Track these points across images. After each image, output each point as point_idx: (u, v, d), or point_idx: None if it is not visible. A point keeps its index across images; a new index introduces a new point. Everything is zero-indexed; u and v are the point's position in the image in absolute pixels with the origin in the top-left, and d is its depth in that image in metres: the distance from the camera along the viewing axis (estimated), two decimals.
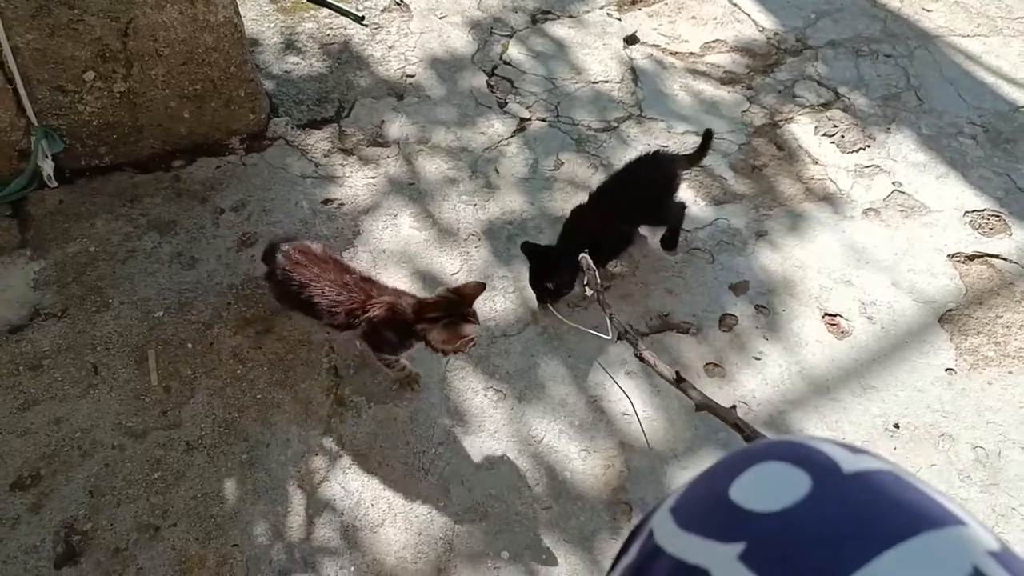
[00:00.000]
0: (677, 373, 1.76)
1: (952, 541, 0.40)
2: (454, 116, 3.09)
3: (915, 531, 0.40)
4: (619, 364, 2.33)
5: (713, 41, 3.47)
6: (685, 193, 2.77)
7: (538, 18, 3.56)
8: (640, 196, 2.44)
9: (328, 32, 3.39)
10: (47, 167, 2.65)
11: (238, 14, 2.73)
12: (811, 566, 0.39)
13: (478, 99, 3.16)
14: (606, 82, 3.26)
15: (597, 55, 3.38)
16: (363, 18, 3.44)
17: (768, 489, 0.44)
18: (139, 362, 2.28)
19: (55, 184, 2.70)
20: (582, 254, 2.21)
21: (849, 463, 0.45)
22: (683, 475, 2.08)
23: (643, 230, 2.62)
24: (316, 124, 3.02)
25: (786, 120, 3.11)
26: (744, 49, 3.43)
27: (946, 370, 2.32)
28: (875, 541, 0.39)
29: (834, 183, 2.86)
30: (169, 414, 2.17)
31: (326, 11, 3.47)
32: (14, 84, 2.49)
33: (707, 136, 2.60)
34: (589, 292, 2.22)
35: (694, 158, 2.64)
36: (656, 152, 2.52)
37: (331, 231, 2.65)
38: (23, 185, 2.65)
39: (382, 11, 3.50)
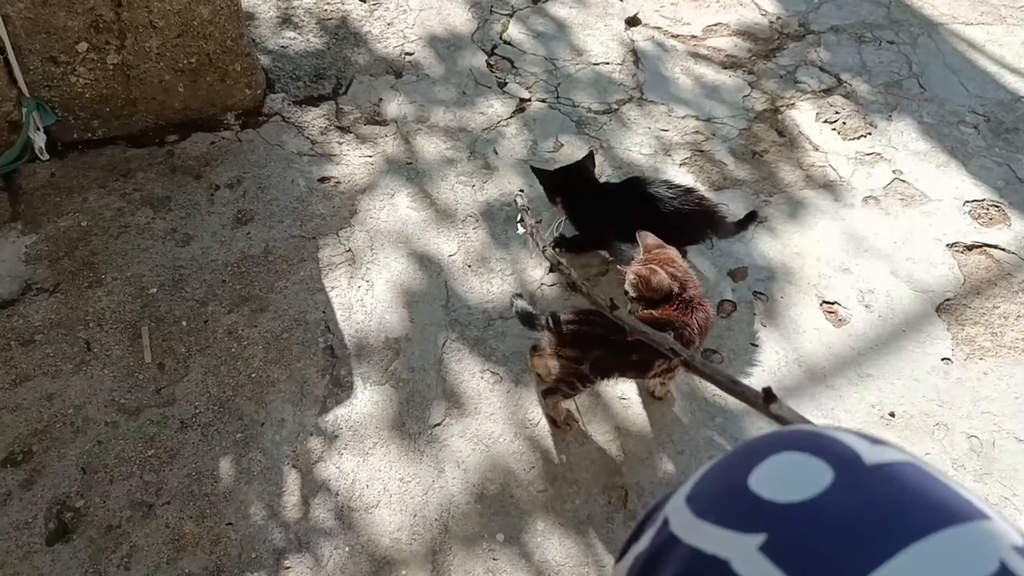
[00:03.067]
0: (611, 300, 1.80)
1: (978, 536, 0.39)
2: (453, 95, 3.05)
3: (940, 525, 0.39)
4: None
5: (715, 24, 3.44)
6: (684, 178, 2.76)
7: None
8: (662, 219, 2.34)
9: (326, 7, 3.34)
10: (39, 139, 2.60)
11: None
12: (835, 559, 0.39)
13: (477, 79, 3.12)
14: (607, 64, 3.23)
15: (598, 36, 3.35)
16: None
17: (789, 479, 0.43)
18: (132, 339, 2.25)
19: (47, 157, 2.65)
20: (517, 193, 2.38)
21: (871, 454, 0.44)
22: (679, 460, 2.08)
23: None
24: (313, 101, 2.98)
25: (787, 106, 3.09)
26: (746, 33, 3.40)
27: (942, 359, 2.33)
28: (900, 535, 0.38)
29: (834, 170, 2.85)
30: (163, 392, 2.15)
31: None
32: (5, 54, 2.44)
33: (752, 217, 2.44)
34: (521, 230, 2.34)
35: (731, 227, 2.44)
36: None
37: (327, 210, 2.62)
38: (14, 157, 2.61)
39: None
